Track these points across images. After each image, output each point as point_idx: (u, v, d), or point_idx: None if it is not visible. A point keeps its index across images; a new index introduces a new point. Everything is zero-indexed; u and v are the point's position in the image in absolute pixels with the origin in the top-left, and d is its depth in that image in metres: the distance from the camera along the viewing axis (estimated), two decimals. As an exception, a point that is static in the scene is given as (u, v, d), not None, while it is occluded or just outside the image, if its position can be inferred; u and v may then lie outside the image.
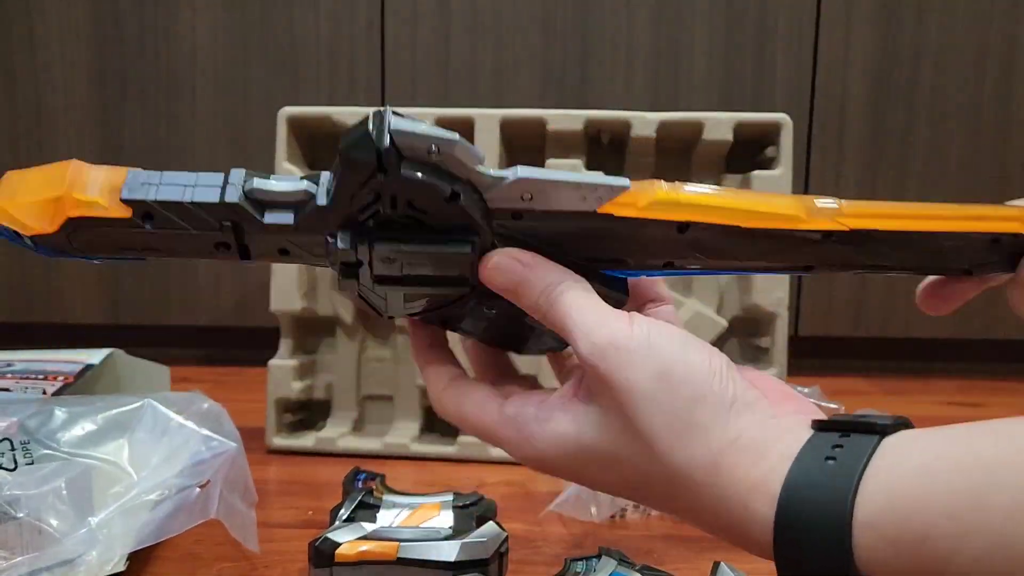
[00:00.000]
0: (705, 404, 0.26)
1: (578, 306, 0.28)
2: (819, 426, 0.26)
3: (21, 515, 0.41)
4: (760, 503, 0.25)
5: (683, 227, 0.30)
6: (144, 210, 0.28)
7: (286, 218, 0.29)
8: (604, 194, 0.30)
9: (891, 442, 0.24)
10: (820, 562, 0.23)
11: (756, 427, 0.26)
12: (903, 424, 0.26)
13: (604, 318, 0.28)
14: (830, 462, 0.24)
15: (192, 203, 0.29)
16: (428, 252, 0.29)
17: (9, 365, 0.62)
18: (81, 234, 0.29)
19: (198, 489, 0.45)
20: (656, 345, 0.27)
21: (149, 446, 0.47)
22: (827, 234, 0.30)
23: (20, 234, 0.29)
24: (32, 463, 0.43)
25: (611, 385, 0.27)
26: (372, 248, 0.29)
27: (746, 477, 0.25)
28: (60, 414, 0.47)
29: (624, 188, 0.30)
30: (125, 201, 0.28)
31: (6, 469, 0.43)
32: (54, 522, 0.41)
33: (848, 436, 0.25)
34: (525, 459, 0.30)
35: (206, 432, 0.48)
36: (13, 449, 0.44)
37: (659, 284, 0.36)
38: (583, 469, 0.29)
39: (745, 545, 0.26)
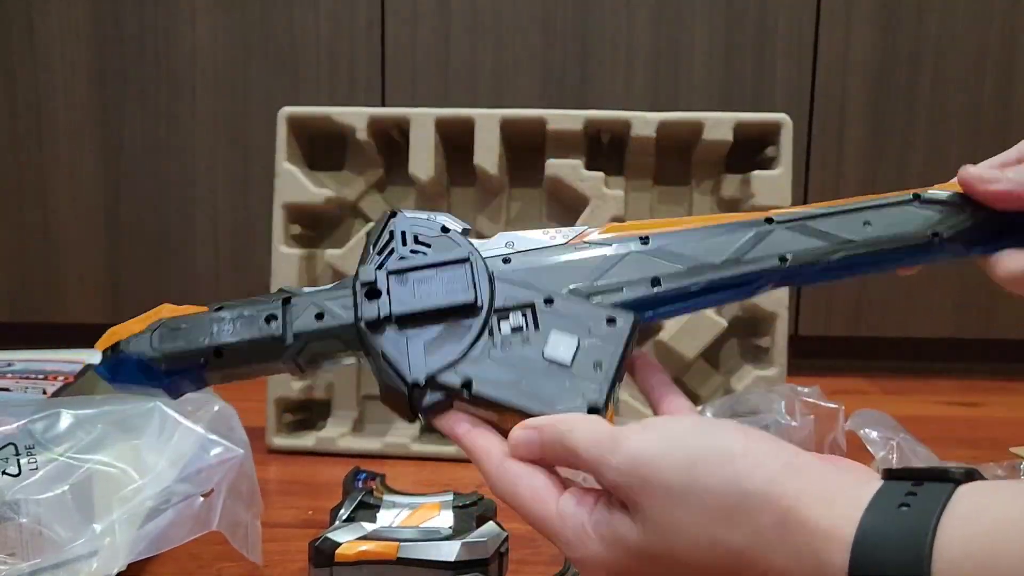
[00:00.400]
0: (752, 476, 0.26)
1: (590, 440, 0.30)
2: (890, 475, 0.26)
3: (23, 519, 0.41)
4: (833, 552, 0.24)
5: (644, 239, 0.37)
6: (219, 305, 0.37)
7: (324, 287, 0.38)
8: (567, 232, 0.38)
9: (965, 491, 0.24)
10: None
11: (818, 482, 0.26)
12: (975, 475, 0.25)
13: (616, 439, 0.29)
14: (904, 508, 0.24)
15: (256, 294, 0.39)
16: (431, 261, 0.37)
17: (9, 365, 0.62)
18: (164, 331, 0.36)
19: (201, 499, 0.45)
20: (676, 440, 0.28)
21: (156, 450, 0.47)
22: (768, 219, 0.36)
23: (111, 364, 0.36)
24: (36, 468, 0.43)
25: (651, 495, 0.27)
26: (388, 274, 0.37)
27: (817, 528, 0.25)
28: (66, 417, 0.46)
29: (583, 229, 0.38)
30: (206, 304, 0.37)
31: (10, 475, 0.42)
32: (57, 527, 0.41)
33: (921, 484, 0.25)
34: (581, 561, 0.30)
35: (214, 437, 0.48)
36: (17, 454, 0.43)
37: (668, 384, 0.37)
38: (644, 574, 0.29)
39: None
